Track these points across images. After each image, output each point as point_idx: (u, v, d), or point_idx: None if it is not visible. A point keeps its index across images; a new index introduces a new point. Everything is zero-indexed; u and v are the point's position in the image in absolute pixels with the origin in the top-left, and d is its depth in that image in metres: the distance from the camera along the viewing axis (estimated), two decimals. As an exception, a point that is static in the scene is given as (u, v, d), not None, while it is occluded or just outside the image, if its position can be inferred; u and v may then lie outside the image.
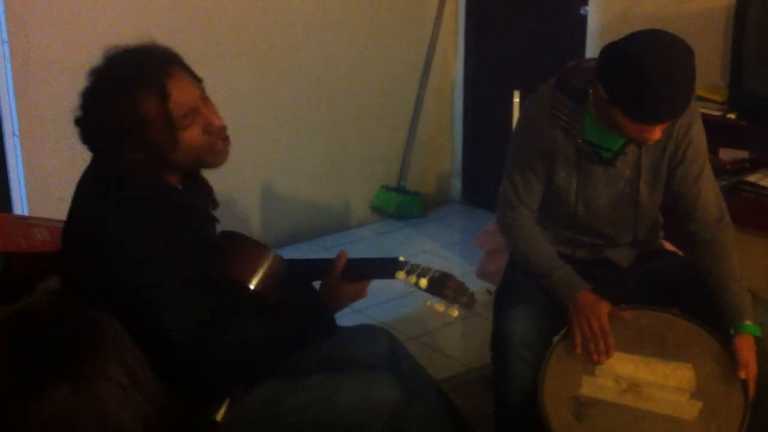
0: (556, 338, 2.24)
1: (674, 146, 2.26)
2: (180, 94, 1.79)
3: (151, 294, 1.75)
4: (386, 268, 2.02)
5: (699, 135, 2.29)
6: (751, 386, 2.14)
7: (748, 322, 2.19)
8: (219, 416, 1.86)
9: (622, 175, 2.30)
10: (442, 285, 1.96)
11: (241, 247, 2.02)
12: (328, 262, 2.06)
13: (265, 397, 1.93)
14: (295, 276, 2.07)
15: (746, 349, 2.15)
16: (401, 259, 2.03)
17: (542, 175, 2.34)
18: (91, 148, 1.86)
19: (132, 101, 1.75)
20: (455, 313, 1.98)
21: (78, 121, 1.83)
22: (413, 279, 1.97)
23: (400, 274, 1.99)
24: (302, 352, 1.99)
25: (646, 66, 2.01)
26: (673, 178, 2.31)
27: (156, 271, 1.76)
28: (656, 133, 2.10)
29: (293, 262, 2.13)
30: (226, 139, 1.87)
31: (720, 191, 2.37)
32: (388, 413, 1.93)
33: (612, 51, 2.09)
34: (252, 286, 1.97)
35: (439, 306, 1.97)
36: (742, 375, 2.13)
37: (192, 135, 1.81)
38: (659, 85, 2.01)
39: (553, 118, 2.25)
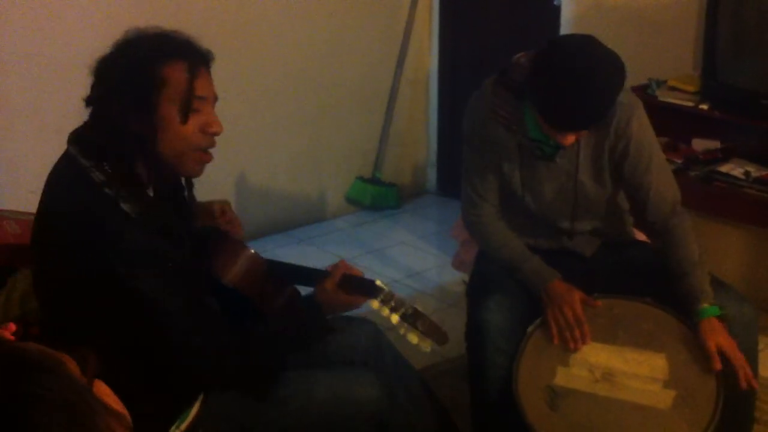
0: (530, 328, 2.25)
1: (614, 140, 2.23)
2: (204, 82, 1.77)
3: (149, 288, 1.67)
4: (365, 288, 1.95)
5: (640, 129, 2.24)
6: (739, 363, 2.12)
7: (705, 305, 2.19)
8: (183, 427, 1.81)
9: (562, 169, 2.29)
10: (412, 322, 1.92)
11: (219, 244, 1.99)
12: (319, 271, 2.00)
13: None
14: (279, 277, 2.03)
15: (711, 335, 2.15)
16: (378, 283, 1.96)
17: (496, 169, 2.33)
18: (94, 105, 1.74)
19: (161, 64, 1.70)
20: (427, 347, 1.93)
21: (98, 78, 1.73)
22: (386, 311, 1.92)
23: (374, 303, 1.92)
24: (296, 352, 1.94)
25: (563, 75, 2.01)
26: (622, 172, 2.29)
27: (153, 266, 1.68)
28: (568, 138, 2.11)
29: (278, 264, 2.09)
30: (209, 154, 1.80)
31: (675, 180, 2.35)
32: (369, 412, 1.92)
33: (544, 50, 2.09)
34: (229, 283, 1.93)
35: (413, 337, 1.92)
36: (715, 366, 2.13)
37: (191, 127, 1.74)
38: (571, 96, 2.01)
39: (494, 114, 2.24)
